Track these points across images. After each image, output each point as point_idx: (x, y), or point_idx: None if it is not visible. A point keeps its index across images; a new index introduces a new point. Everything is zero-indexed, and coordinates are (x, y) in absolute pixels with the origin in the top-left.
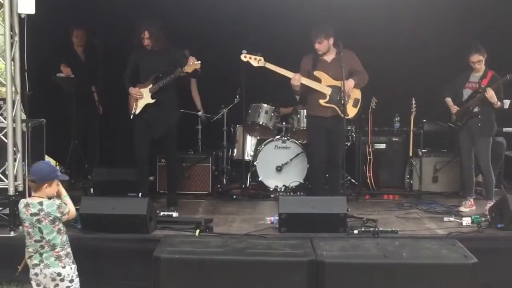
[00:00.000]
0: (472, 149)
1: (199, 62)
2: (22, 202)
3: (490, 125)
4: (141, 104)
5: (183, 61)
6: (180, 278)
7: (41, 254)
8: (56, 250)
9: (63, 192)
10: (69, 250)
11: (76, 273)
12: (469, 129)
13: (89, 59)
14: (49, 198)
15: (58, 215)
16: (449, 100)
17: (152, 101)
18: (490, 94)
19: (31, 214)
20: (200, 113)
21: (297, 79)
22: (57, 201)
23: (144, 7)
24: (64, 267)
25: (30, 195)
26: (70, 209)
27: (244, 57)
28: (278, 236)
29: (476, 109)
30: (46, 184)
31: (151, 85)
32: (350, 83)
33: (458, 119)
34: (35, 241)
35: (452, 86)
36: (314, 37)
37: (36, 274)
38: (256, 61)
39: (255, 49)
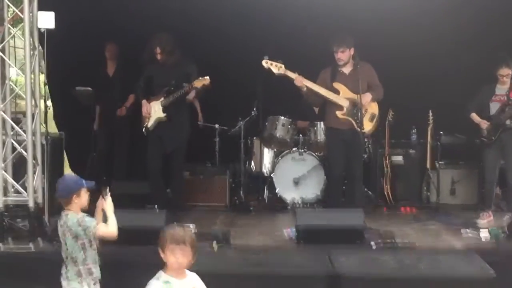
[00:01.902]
0: (498, 164)
1: (208, 77)
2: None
3: None
4: (152, 118)
5: (194, 76)
6: None
7: (66, 267)
8: (77, 265)
9: (107, 211)
10: (94, 269)
11: None
12: (500, 142)
13: (118, 73)
14: (85, 211)
15: (79, 229)
16: (475, 115)
17: (163, 115)
18: None
19: (60, 226)
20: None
21: (300, 80)
22: (79, 215)
23: (162, 21)
24: None
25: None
26: (109, 228)
27: (266, 63)
28: (296, 249)
29: (508, 122)
30: (74, 196)
31: (162, 99)
32: (367, 97)
33: (491, 134)
34: (63, 252)
35: (477, 100)
36: (337, 46)
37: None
38: (277, 68)
39: (275, 57)
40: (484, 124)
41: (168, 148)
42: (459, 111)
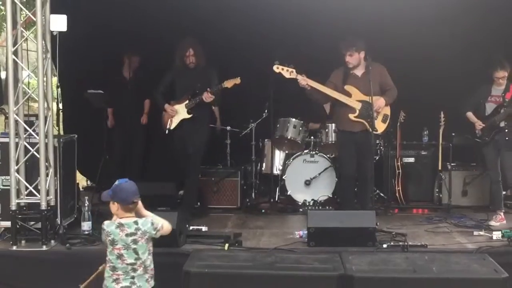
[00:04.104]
0: (498, 162)
1: (239, 77)
2: (111, 224)
3: None
4: (176, 120)
5: (214, 80)
6: None
7: (133, 277)
8: (147, 271)
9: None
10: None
11: None
12: (495, 143)
13: (136, 76)
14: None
15: (153, 232)
16: (471, 115)
17: (189, 116)
18: None
19: (127, 235)
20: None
21: (304, 83)
22: (149, 218)
23: (174, 24)
24: None
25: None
26: (164, 224)
27: (277, 68)
28: (307, 251)
29: (502, 124)
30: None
31: (187, 101)
32: (381, 102)
33: (485, 134)
34: (127, 264)
35: (473, 100)
36: (345, 49)
37: None
38: (288, 72)
39: (286, 61)
40: (479, 126)
41: (189, 149)
42: None
